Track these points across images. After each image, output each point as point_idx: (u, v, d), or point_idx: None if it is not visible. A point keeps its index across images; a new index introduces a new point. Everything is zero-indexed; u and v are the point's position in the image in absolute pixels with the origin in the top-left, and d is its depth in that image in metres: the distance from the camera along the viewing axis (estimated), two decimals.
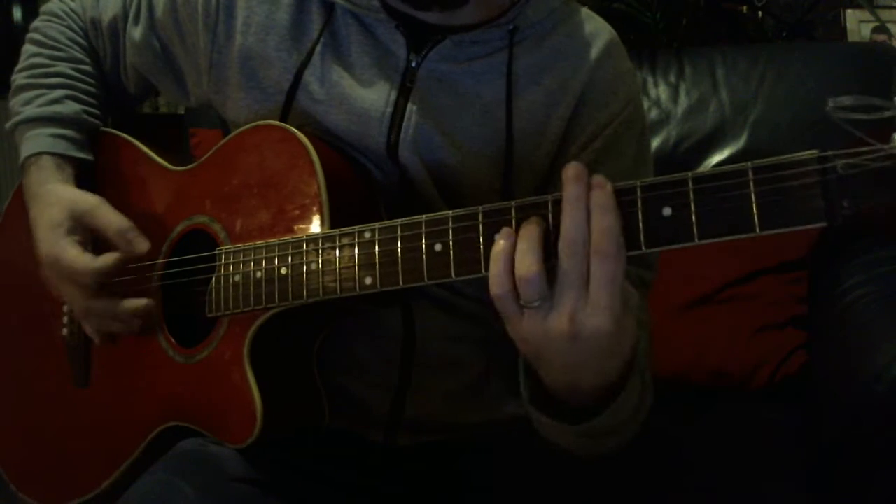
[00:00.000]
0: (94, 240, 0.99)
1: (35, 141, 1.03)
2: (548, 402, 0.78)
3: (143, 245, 0.95)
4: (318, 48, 0.95)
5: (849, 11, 2.29)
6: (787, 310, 1.47)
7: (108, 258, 0.96)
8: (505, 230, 0.71)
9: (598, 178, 0.68)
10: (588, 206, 0.67)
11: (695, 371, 1.45)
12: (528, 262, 0.68)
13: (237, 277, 0.88)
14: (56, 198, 0.99)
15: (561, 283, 0.68)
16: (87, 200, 0.99)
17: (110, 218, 0.97)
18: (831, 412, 1.20)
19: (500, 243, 0.70)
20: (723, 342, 1.46)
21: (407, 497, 1.02)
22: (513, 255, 0.69)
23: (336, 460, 1.00)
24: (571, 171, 0.69)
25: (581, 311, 0.68)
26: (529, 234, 0.69)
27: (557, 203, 0.69)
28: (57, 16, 1.11)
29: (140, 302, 0.96)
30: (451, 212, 0.74)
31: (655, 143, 1.60)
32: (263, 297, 0.86)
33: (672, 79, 1.66)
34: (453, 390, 0.99)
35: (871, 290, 1.30)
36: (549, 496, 0.98)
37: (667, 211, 0.65)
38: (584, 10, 1.02)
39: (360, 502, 1.00)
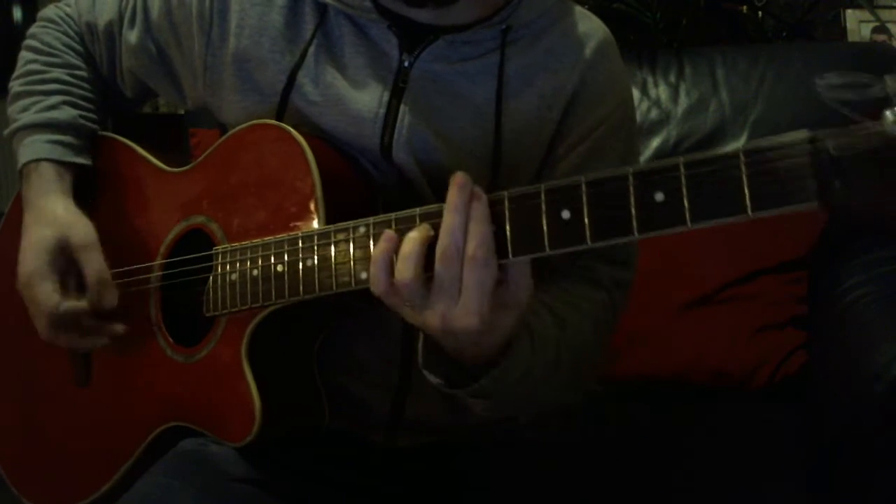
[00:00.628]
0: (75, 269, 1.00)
1: (32, 147, 1.03)
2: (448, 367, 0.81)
3: (112, 301, 0.98)
4: (312, 49, 0.95)
5: (849, 11, 2.29)
6: (787, 310, 1.47)
7: (73, 306, 0.98)
8: (387, 233, 0.76)
9: (476, 190, 0.72)
10: (468, 215, 0.72)
11: (695, 371, 1.45)
12: (402, 268, 0.73)
13: (234, 276, 0.89)
14: (52, 218, 1.00)
15: (435, 288, 0.73)
16: (80, 234, 1.00)
17: (94, 264, 0.99)
18: (831, 412, 1.20)
19: (380, 246, 0.75)
20: (723, 342, 1.46)
21: (407, 497, 1.02)
22: (391, 258, 0.74)
23: (336, 460, 1.00)
24: (458, 179, 0.73)
25: (451, 313, 0.73)
26: (411, 241, 0.74)
27: (552, 192, 0.70)
28: (53, 21, 1.11)
29: (96, 341, 0.99)
30: (446, 204, 0.74)
31: (655, 143, 1.60)
32: (260, 295, 0.86)
33: (672, 79, 1.66)
34: None
35: (871, 290, 1.30)
36: (547, 496, 0.99)
37: (659, 196, 0.65)
38: (579, 10, 1.01)
39: (360, 502, 1.00)
